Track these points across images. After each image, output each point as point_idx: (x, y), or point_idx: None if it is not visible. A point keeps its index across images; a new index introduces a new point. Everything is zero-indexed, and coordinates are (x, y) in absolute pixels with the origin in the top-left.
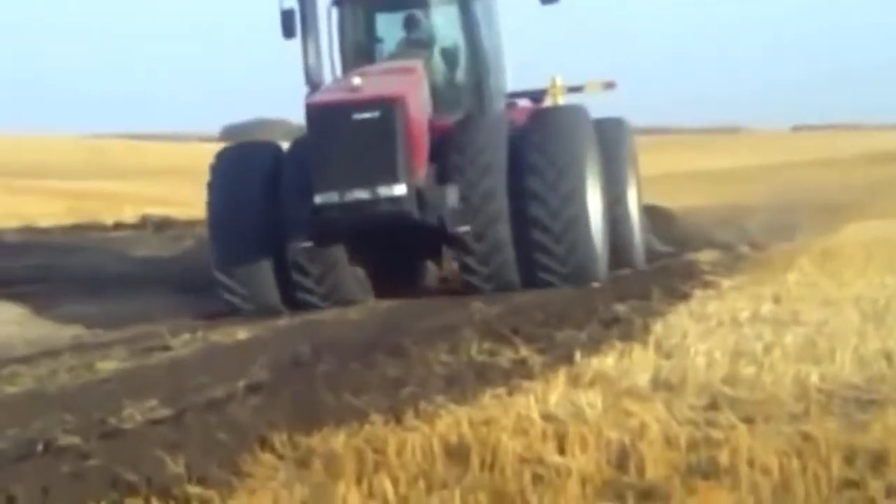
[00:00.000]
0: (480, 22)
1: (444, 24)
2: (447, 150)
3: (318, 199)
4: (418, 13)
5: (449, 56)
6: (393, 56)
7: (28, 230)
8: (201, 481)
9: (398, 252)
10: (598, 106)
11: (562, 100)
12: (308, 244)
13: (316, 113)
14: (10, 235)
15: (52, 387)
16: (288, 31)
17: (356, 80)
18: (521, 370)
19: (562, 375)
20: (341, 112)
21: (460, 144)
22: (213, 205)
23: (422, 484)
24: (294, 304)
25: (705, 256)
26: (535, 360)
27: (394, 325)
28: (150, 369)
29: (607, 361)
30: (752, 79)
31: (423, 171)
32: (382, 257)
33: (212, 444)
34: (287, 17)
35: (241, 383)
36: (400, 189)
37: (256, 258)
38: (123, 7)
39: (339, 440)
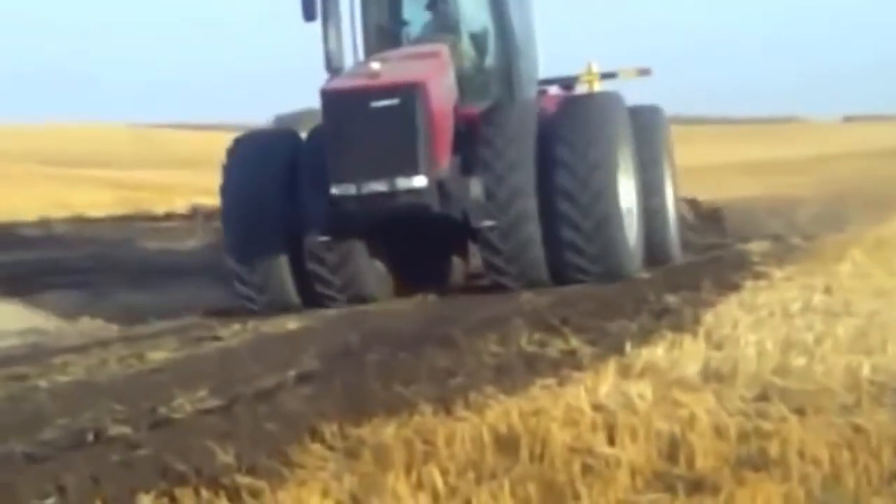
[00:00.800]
0: (510, 4)
1: (472, 6)
2: (473, 140)
3: (334, 190)
4: None
5: (477, 40)
6: (418, 40)
7: (78, 220)
8: (251, 471)
9: (422, 247)
10: (643, 94)
11: (597, 87)
12: (325, 238)
13: (332, 100)
14: (60, 226)
15: (102, 376)
16: (309, 14)
17: (375, 66)
18: (571, 361)
19: (612, 366)
20: (358, 99)
21: (487, 134)
22: (227, 193)
23: (471, 474)
24: (311, 298)
25: (756, 247)
26: (585, 350)
27: (443, 316)
28: (200, 359)
29: (657, 352)
30: (804, 68)
31: (445, 161)
32: (405, 252)
33: (261, 435)
34: None
35: (291, 373)
36: (420, 181)
37: (272, 250)
38: None
39: (388, 431)
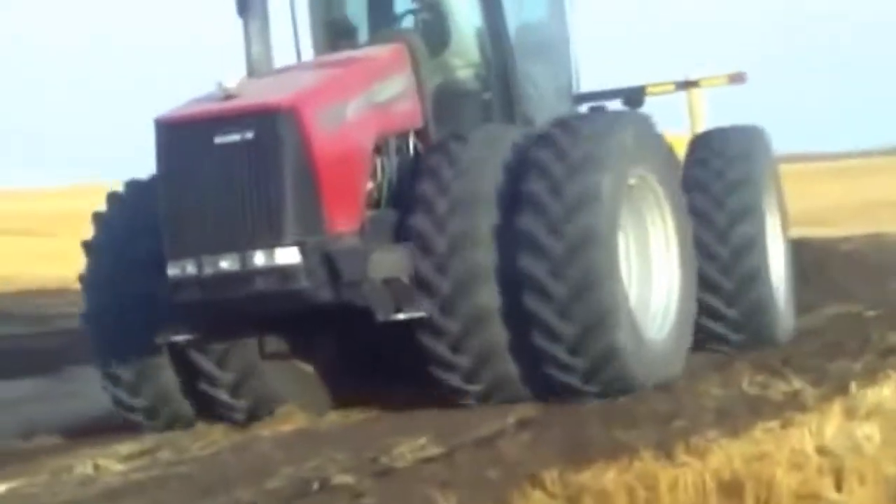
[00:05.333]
0: None
1: None
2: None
3: (170, 270)
4: None
5: (481, 41)
6: (373, 40)
7: None
8: None
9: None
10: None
11: (700, 107)
12: (179, 337)
13: (164, 135)
14: None
15: (323, 425)
16: (243, 6)
17: (231, 84)
18: (795, 403)
19: (837, 408)
20: (199, 133)
21: (432, 164)
22: (92, 264)
23: None
24: (206, 406)
25: None
26: (809, 392)
27: None
28: (419, 407)
29: (884, 392)
30: None
31: (352, 221)
32: (352, 336)
33: (482, 482)
34: None
35: (511, 420)
36: (288, 255)
37: (147, 339)
38: None
39: (609, 477)
